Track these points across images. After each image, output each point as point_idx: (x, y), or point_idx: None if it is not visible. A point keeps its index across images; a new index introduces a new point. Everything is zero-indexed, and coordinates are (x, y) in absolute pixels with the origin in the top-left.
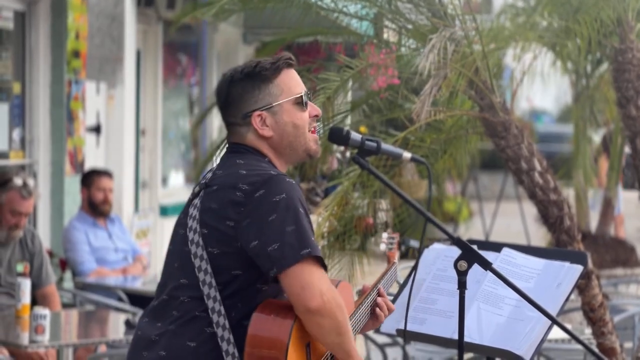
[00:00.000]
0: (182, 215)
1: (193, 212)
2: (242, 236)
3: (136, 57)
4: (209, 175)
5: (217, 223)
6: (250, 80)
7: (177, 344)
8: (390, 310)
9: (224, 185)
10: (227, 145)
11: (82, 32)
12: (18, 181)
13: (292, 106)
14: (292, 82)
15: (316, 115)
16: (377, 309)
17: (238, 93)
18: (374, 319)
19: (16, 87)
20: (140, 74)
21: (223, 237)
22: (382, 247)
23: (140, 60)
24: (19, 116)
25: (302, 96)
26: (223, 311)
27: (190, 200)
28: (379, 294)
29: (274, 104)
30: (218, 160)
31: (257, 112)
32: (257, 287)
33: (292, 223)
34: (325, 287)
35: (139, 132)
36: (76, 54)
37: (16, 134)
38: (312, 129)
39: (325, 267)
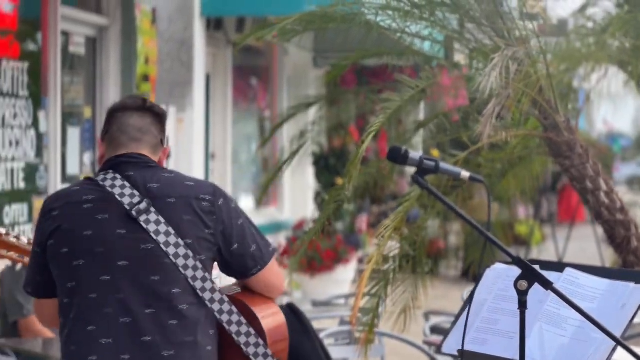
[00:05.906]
0: (126, 232)
1: (156, 227)
2: (220, 241)
3: (205, 80)
4: (139, 190)
5: (198, 232)
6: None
7: (199, 353)
8: None
9: (184, 196)
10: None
11: (151, 56)
12: None
13: None
14: None
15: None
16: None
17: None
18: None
19: (87, 112)
20: (210, 97)
21: (206, 244)
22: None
23: (210, 84)
24: (90, 140)
25: None
26: (235, 309)
27: (133, 218)
28: None
29: None
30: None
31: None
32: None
33: (251, 224)
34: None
35: (208, 156)
36: (146, 78)
37: (87, 158)
38: None
39: None
